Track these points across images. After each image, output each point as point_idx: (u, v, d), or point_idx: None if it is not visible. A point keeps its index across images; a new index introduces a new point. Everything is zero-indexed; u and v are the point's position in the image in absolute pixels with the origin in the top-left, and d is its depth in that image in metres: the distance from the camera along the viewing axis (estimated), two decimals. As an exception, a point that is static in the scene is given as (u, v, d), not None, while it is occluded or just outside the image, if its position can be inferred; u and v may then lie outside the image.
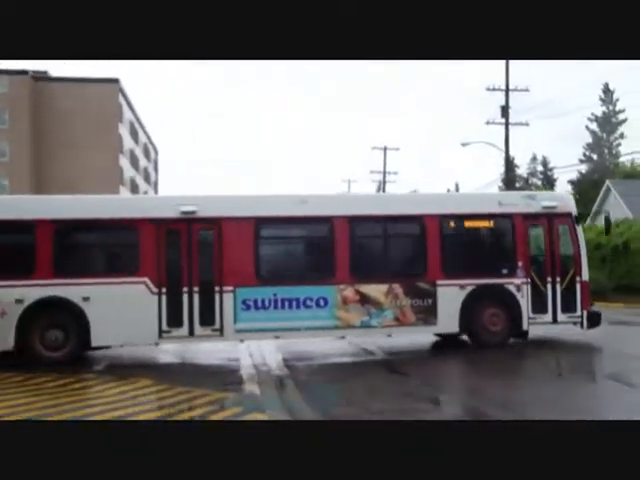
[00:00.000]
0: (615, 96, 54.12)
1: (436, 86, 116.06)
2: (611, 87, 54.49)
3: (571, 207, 12.62)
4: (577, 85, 74.84)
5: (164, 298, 11.02)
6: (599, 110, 54.55)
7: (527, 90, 30.57)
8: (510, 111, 29.99)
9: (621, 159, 48.71)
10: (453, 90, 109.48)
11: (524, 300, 12.07)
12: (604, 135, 53.72)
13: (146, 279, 10.99)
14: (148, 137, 63.21)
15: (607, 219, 13.23)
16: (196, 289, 11.13)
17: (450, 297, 11.81)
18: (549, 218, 12.37)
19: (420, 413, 7.14)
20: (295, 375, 9.71)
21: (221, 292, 11.19)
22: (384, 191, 49.00)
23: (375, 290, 11.67)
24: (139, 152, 58.41)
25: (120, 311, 10.78)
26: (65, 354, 10.80)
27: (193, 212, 11.26)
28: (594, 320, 12.35)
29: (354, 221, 11.79)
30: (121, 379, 9.31)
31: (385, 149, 48.81)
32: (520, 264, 12.17)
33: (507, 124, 29.84)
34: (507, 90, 29.71)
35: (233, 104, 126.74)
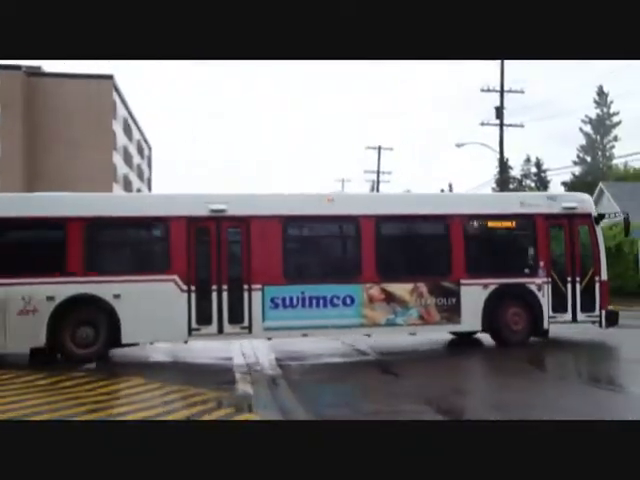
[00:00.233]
0: (609, 98, 54.81)
1: (432, 86, 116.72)
2: (605, 89, 55.19)
3: (591, 208, 12.84)
4: (572, 87, 75.73)
5: (193, 296, 11.06)
6: (593, 112, 55.19)
7: (522, 92, 30.80)
8: (505, 112, 30.26)
9: (614, 161, 49.33)
10: (449, 91, 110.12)
11: (545, 299, 12.27)
12: (598, 137, 54.30)
13: (176, 277, 11.02)
14: (142, 134, 62.84)
15: (626, 220, 13.43)
16: (225, 287, 11.18)
17: (473, 296, 11.97)
18: (569, 219, 12.58)
19: (413, 414, 7.12)
20: (288, 375, 9.69)
21: (250, 290, 11.24)
22: (377, 191, 49.26)
23: (401, 289, 11.79)
24: (133, 149, 58.03)
25: (150, 308, 10.79)
26: (95, 351, 10.81)
27: (222, 210, 11.30)
28: (612, 319, 12.59)
29: (380, 220, 11.90)
30: (112, 377, 9.24)
31: (379, 149, 48.93)
32: (541, 264, 12.36)
33: (501, 125, 30.07)
34: (502, 91, 29.92)
35: (231, 103, 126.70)
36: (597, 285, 12.54)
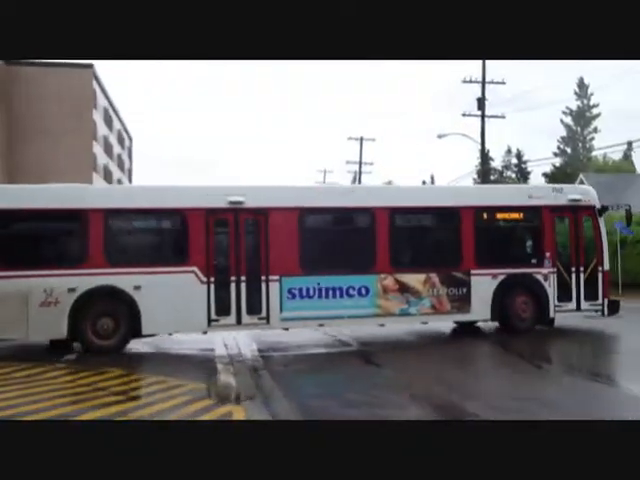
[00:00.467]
0: (590, 90, 55.59)
1: (414, 78, 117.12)
2: (586, 81, 55.95)
3: (594, 200, 13.23)
4: (553, 79, 76.59)
5: (212, 287, 11.15)
6: (574, 104, 55.93)
7: (504, 83, 30.75)
8: (486, 104, 30.42)
9: (594, 153, 50.22)
10: (432, 82, 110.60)
11: (551, 289, 12.64)
12: (578, 129, 55.11)
13: (195, 268, 11.10)
14: (123, 124, 62.01)
15: (628, 211, 13.86)
16: (243, 278, 11.29)
17: (483, 286, 12.28)
18: (574, 210, 12.96)
19: (395, 406, 7.18)
20: (270, 366, 9.70)
21: (267, 281, 11.38)
22: (359, 182, 49.48)
23: (414, 279, 12.04)
24: (113, 139, 57.30)
25: (170, 300, 10.86)
26: (115, 342, 10.86)
27: (240, 202, 11.40)
28: (614, 308, 13.05)
29: (394, 212, 12.12)
30: (93, 369, 9.15)
31: (361, 140, 48.97)
32: (548, 254, 12.73)
33: (483, 117, 30.05)
34: (483, 82, 29.93)
35: (221, 95, 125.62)
36: (600, 275, 12.96)
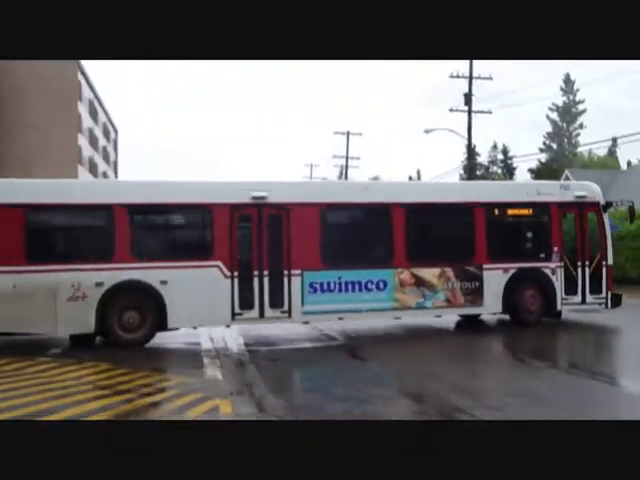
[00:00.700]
0: (575, 86, 56.30)
1: (401, 73, 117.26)
2: (572, 77, 56.66)
3: (599, 196, 13.70)
4: (539, 74, 77.36)
5: (236, 281, 11.37)
6: (560, 100, 56.60)
7: (490, 78, 30.89)
8: (473, 99, 30.55)
9: (579, 149, 51.04)
10: (419, 77, 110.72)
11: (558, 283, 13.11)
12: (564, 125, 55.86)
13: (220, 263, 11.31)
14: (108, 117, 61.46)
15: (631, 208, 14.35)
16: (266, 273, 11.52)
17: (495, 280, 12.69)
18: (580, 207, 13.43)
19: (381, 399, 7.25)
20: (257, 360, 9.75)
21: (289, 275, 11.61)
22: (346, 176, 49.72)
23: (429, 273, 12.40)
24: (98, 132, 56.79)
25: (195, 294, 11.05)
26: (141, 336, 11.03)
27: (264, 197, 11.61)
28: (616, 301, 13.58)
29: (411, 208, 12.44)
30: (80, 363, 9.16)
31: (348, 134, 49.08)
32: (555, 249, 13.18)
33: (470, 112, 30.37)
34: (470, 78, 30.16)
35: (221, 92, 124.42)
36: (604, 269, 13.46)
